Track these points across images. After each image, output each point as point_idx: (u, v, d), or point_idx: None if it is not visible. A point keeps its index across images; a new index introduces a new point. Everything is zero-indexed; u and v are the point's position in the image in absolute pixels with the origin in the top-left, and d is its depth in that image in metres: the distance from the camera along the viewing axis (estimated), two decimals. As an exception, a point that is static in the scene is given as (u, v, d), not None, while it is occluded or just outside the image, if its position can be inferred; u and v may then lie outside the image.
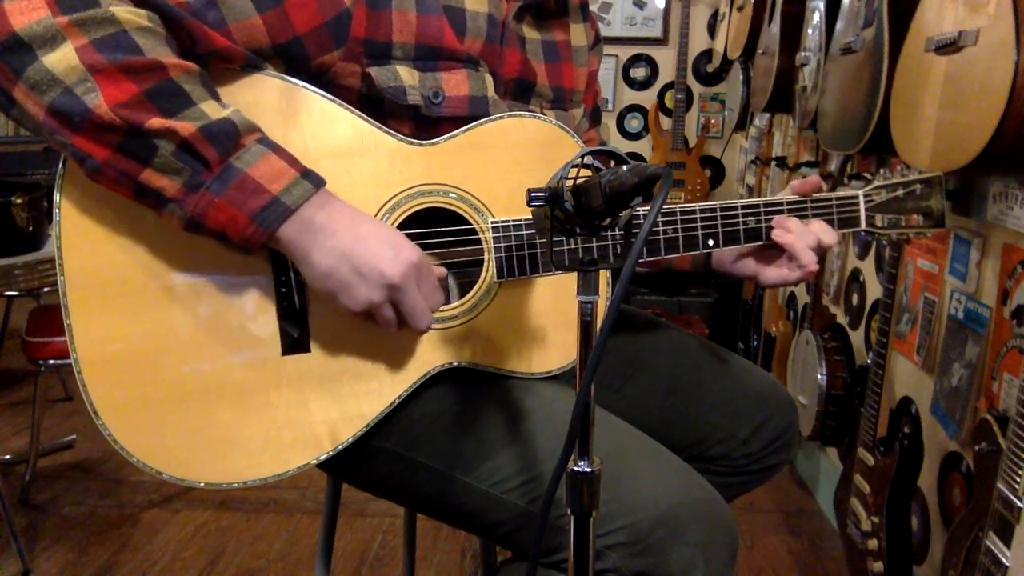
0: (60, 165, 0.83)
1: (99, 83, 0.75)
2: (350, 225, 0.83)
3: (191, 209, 0.79)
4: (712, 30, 3.76)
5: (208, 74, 0.83)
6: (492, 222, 0.95)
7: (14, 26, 0.73)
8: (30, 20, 0.74)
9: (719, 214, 1.00)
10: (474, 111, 0.97)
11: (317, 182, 0.83)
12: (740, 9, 2.99)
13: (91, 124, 0.75)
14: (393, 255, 0.83)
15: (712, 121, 3.84)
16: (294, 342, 0.90)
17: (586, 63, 1.16)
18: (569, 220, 0.70)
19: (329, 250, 0.82)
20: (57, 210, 0.83)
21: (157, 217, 0.82)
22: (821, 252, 1.02)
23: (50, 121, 0.76)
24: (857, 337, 2.08)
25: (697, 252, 1.03)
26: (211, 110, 0.79)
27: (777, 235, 1.01)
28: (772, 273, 1.04)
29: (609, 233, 0.96)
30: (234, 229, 0.80)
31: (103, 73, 0.75)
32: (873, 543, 1.61)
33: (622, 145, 3.85)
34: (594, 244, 0.97)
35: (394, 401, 0.94)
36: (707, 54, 3.79)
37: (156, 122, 0.76)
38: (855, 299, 2.12)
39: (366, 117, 0.92)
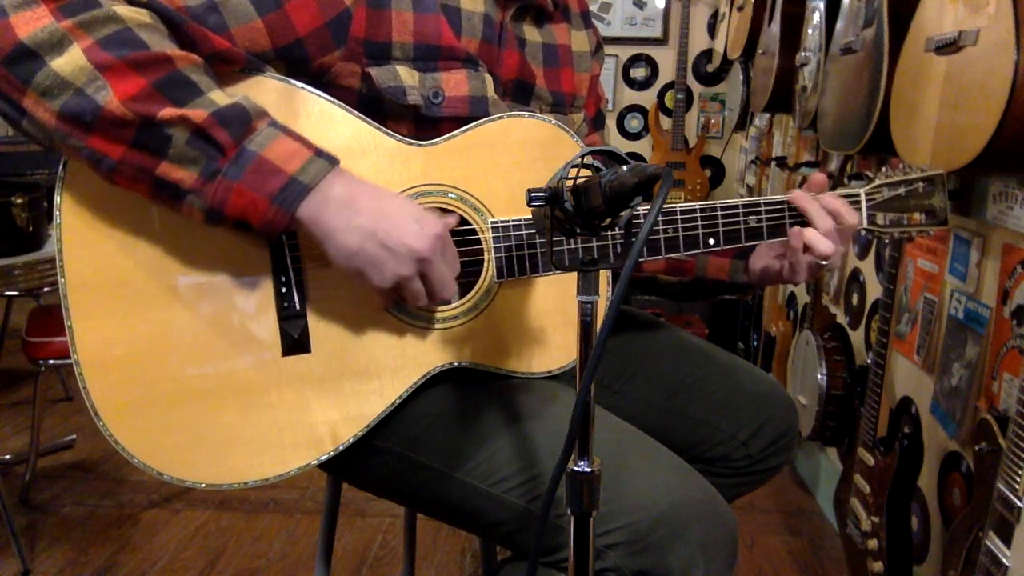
0: (60, 167, 0.83)
1: (108, 80, 0.75)
2: (372, 201, 0.83)
3: (210, 198, 0.78)
4: (712, 30, 3.76)
5: None
6: (492, 222, 0.95)
7: (20, 36, 0.74)
8: (35, 28, 0.74)
9: (719, 213, 1.00)
10: (474, 111, 0.97)
11: (332, 160, 0.83)
12: (740, 9, 2.99)
13: (104, 122, 0.75)
14: (419, 228, 0.83)
15: (712, 121, 3.84)
16: (294, 343, 0.90)
17: (588, 69, 1.16)
18: (569, 220, 0.70)
19: (355, 229, 0.81)
20: (57, 212, 0.83)
21: (159, 212, 0.82)
22: (840, 233, 0.99)
23: (62, 126, 0.76)
24: (857, 337, 2.08)
25: (733, 263, 1.03)
26: (219, 98, 0.79)
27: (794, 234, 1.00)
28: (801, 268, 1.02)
29: (609, 233, 0.96)
30: (255, 213, 0.79)
31: (111, 70, 0.75)
32: (873, 543, 1.61)
33: (622, 145, 3.85)
34: (594, 244, 0.97)
35: (395, 401, 0.94)
36: (707, 54, 3.79)
37: (168, 112, 0.76)
38: (855, 299, 2.12)
39: (365, 118, 0.92)
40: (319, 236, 0.82)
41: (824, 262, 0.98)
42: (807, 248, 0.99)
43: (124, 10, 0.77)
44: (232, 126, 0.78)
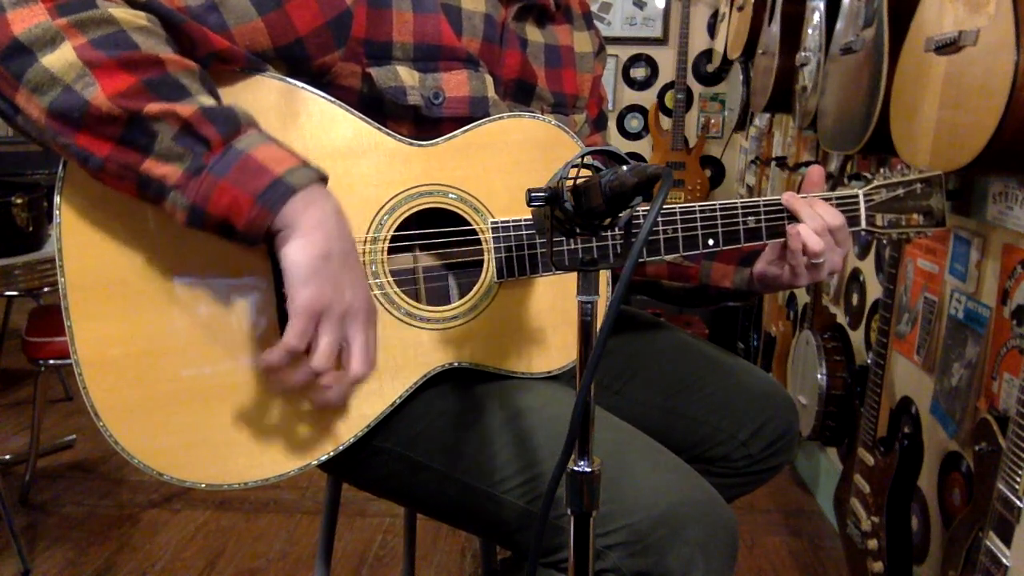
0: (60, 167, 0.83)
1: (97, 77, 0.74)
2: (349, 237, 0.83)
3: (193, 194, 0.76)
4: (712, 30, 3.76)
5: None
6: (492, 222, 0.95)
7: (15, 32, 0.74)
8: (30, 25, 0.74)
9: (719, 213, 1.00)
10: (474, 112, 0.97)
11: (320, 173, 0.81)
12: (740, 9, 2.99)
13: (91, 118, 0.75)
14: (360, 290, 0.82)
15: (712, 121, 3.84)
16: (294, 342, 0.90)
17: (591, 70, 1.16)
18: (569, 220, 0.70)
19: (328, 234, 0.79)
20: (57, 212, 0.83)
21: (159, 212, 0.82)
22: (833, 233, 1.00)
23: (52, 123, 0.75)
24: (857, 337, 2.08)
25: (735, 268, 1.03)
26: (209, 101, 0.79)
27: (791, 233, 1.00)
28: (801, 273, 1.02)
29: (609, 233, 0.96)
30: (237, 211, 0.76)
31: (101, 67, 0.74)
32: (873, 543, 1.61)
33: (622, 145, 3.85)
34: (594, 244, 0.97)
35: (395, 401, 0.94)
36: (707, 54, 3.79)
37: (155, 106, 0.75)
38: (855, 299, 2.12)
39: (366, 118, 0.92)
40: (293, 229, 0.78)
41: (819, 260, 0.98)
42: (803, 248, 0.99)
43: (120, 12, 0.77)
44: (220, 123, 0.77)
